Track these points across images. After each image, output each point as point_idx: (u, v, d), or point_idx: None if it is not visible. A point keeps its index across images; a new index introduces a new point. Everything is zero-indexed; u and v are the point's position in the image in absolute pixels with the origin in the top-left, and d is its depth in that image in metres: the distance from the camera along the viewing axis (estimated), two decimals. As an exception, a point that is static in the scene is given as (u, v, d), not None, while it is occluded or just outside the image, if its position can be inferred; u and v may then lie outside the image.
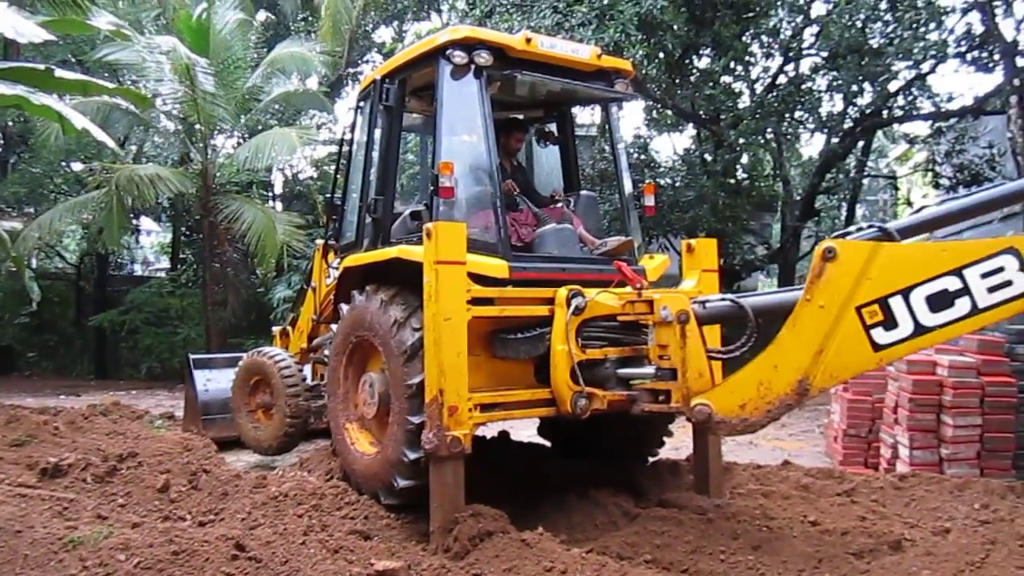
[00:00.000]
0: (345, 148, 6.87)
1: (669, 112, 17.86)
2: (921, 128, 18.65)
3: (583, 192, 6.28)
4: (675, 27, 13.17)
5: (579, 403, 4.91)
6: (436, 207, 5.20)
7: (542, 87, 5.83)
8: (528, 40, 5.44)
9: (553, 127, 6.64)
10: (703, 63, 16.42)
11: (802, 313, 3.93)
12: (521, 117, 6.64)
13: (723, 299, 4.61)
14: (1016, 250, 3.63)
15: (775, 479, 6.32)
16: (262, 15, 21.93)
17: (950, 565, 4.21)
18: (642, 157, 17.45)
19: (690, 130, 18.84)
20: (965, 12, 14.14)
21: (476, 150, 5.42)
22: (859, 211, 27.74)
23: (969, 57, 14.57)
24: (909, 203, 22.15)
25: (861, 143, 18.30)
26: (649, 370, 4.70)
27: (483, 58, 5.29)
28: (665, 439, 6.32)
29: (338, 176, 6.84)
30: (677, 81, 15.90)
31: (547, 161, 6.95)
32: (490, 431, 7.25)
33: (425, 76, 5.70)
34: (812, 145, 21.47)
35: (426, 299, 4.70)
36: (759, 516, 5.30)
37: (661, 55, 14.63)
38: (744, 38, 15.47)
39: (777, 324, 4.14)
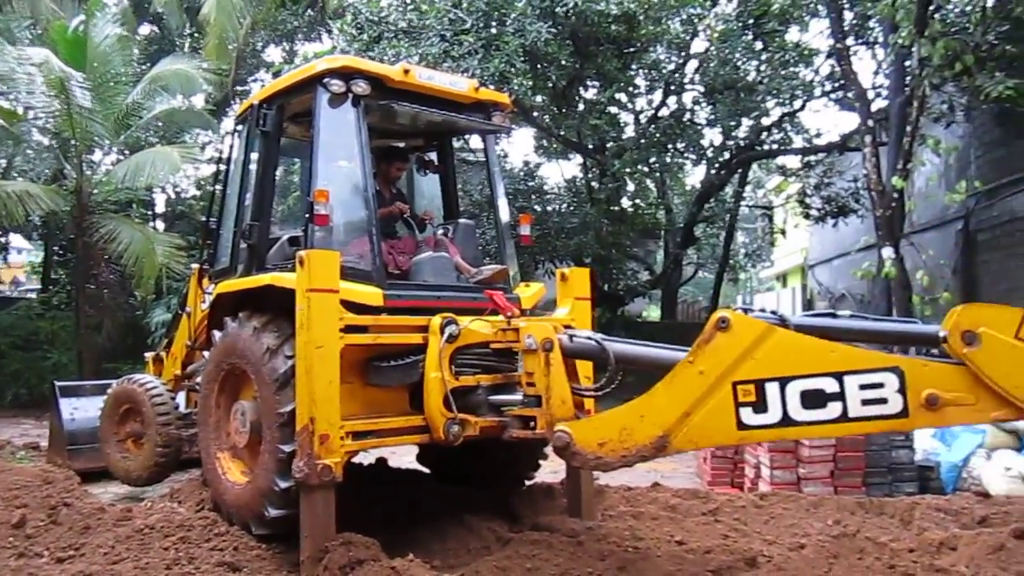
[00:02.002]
0: (222, 172, 6.77)
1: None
2: (793, 161, 19.73)
3: (461, 220, 6.39)
4: (560, 59, 13.54)
5: (452, 429, 4.97)
6: (311, 234, 5.20)
7: (421, 117, 5.92)
8: (406, 71, 5.54)
9: (434, 156, 6.74)
10: (589, 94, 16.94)
11: (681, 373, 3.93)
12: (402, 145, 6.72)
13: (590, 337, 4.75)
14: (901, 371, 3.59)
15: (645, 500, 6.54)
16: (145, 29, 21.30)
17: (797, 579, 4.46)
18: (530, 184, 17.78)
19: (578, 158, 19.35)
20: (829, 55, 15.07)
21: (353, 178, 5.46)
22: (739, 239, 28.99)
23: (834, 97, 15.54)
24: (783, 232, 23.29)
25: (738, 174, 19.19)
26: (517, 397, 4.83)
27: (360, 87, 5.34)
28: (541, 463, 6.45)
29: (213, 200, 6.74)
30: (563, 111, 16.32)
31: (428, 189, 7.03)
32: (369, 458, 7.22)
33: (303, 103, 5.71)
34: (695, 175, 22.41)
35: (298, 327, 4.68)
36: (628, 537, 5.47)
37: (548, 85, 15.00)
38: (628, 72, 16.03)
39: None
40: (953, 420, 3.75)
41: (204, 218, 7.07)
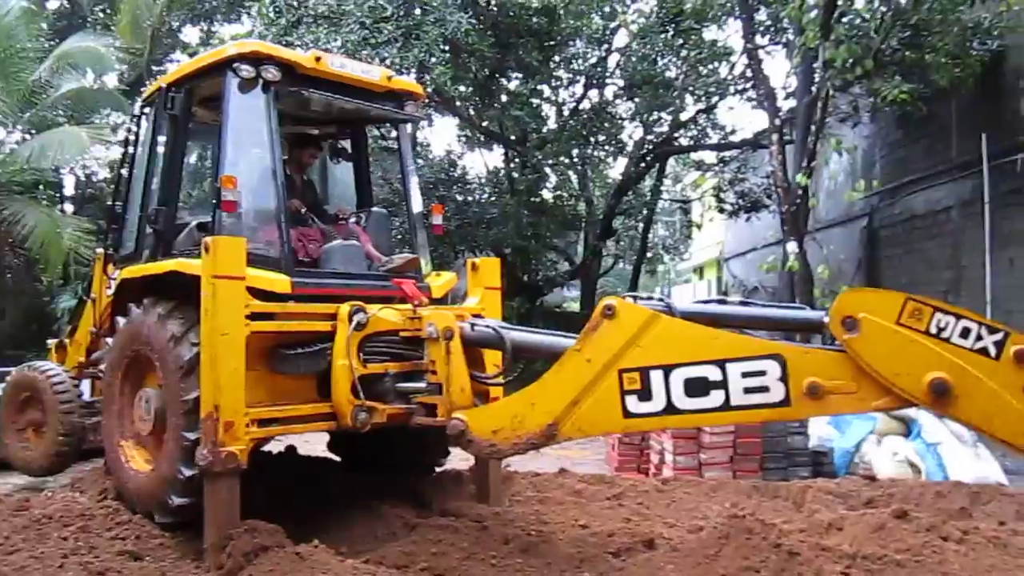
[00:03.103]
0: (129, 155, 6.63)
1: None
2: (710, 157, 20.24)
3: (374, 209, 6.40)
4: (482, 50, 13.60)
5: (359, 417, 5.01)
6: (219, 221, 5.16)
7: (332, 105, 5.91)
8: (318, 58, 5.53)
9: (347, 144, 6.73)
10: (512, 85, 17.04)
11: (569, 361, 3.94)
12: (315, 132, 6.69)
13: (488, 325, 4.83)
14: (783, 359, 3.55)
15: (552, 486, 6.69)
16: (54, 2, 20.52)
17: (690, 559, 4.64)
18: (452, 174, 17.82)
19: (500, 149, 19.46)
20: (743, 54, 15.52)
21: (262, 165, 5.42)
22: (659, 232, 29.57)
23: (747, 95, 16.00)
24: (698, 226, 23.88)
25: (657, 168, 19.59)
26: (421, 384, 4.90)
27: (271, 73, 5.31)
28: (450, 450, 6.53)
29: (120, 184, 6.61)
30: (485, 102, 16.39)
31: (342, 177, 7.03)
32: (279, 446, 7.20)
33: (212, 87, 5.63)
34: (618, 168, 22.81)
35: (203, 314, 4.66)
36: (533, 521, 5.60)
37: (470, 76, 15.05)
38: (550, 64, 16.19)
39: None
40: (835, 409, 3.75)
41: (110, 202, 6.90)
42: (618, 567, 4.80)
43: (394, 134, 6.41)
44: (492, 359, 5.19)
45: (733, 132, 17.95)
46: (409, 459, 6.43)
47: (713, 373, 3.63)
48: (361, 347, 5.07)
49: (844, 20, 10.87)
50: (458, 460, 6.95)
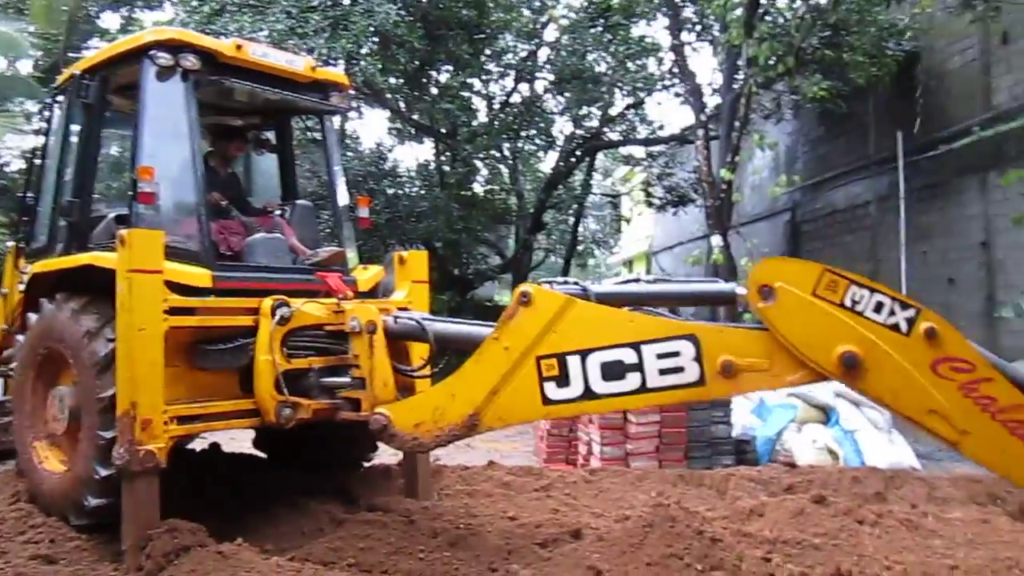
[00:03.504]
0: (41, 145, 6.40)
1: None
2: (639, 151, 20.50)
3: (299, 202, 6.30)
4: (411, 42, 13.51)
5: (283, 413, 4.93)
6: (136, 213, 5.02)
7: (255, 95, 5.79)
8: (239, 47, 5.40)
9: (271, 136, 6.61)
10: (442, 77, 16.97)
11: (487, 351, 3.91)
12: (240, 124, 6.55)
13: (411, 318, 4.81)
14: (697, 339, 3.53)
15: (480, 479, 6.71)
16: (-38, -14, 19.63)
17: (616, 548, 4.69)
18: (382, 167, 17.66)
19: (431, 142, 19.37)
20: (670, 50, 15.75)
21: (181, 155, 5.28)
22: (590, 226, 29.84)
23: (674, 91, 16.25)
24: (627, 220, 24.18)
25: (586, 163, 19.76)
26: (345, 379, 4.85)
27: (190, 62, 5.18)
28: (379, 445, 6.48)
29: (32, 174, 6.37)
30: (416, 94, 16.28)
31: (267, 169, 6.90)
32: (203, 443, 7.05)
33: (129, 75, 5.45)
34: (548, 162, 22.92)
35: (119, 309, 4.51)
36: (462, 514, 5.60)
37: (399, 68, 14.94)
38: (480, 57, 16.17)
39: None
40: (750, 386, 3.71)
41: (21, 194, 6.65)
42: (545, 557, 4.84)
43: (320, 126, 6.29)
44: (419, 352, 5.17)
45: (661, 127, 18.22)
46: (336, 455, 6.37)
47: (629, 356, 3.61)
48: (285, 342, 4.98)
49: (767, 18, 11.13)
50: (387, 455, 6.91)
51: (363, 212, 6.25)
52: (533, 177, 22.02)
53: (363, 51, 12.15)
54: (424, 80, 16.16)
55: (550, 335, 3.73)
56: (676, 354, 3.55)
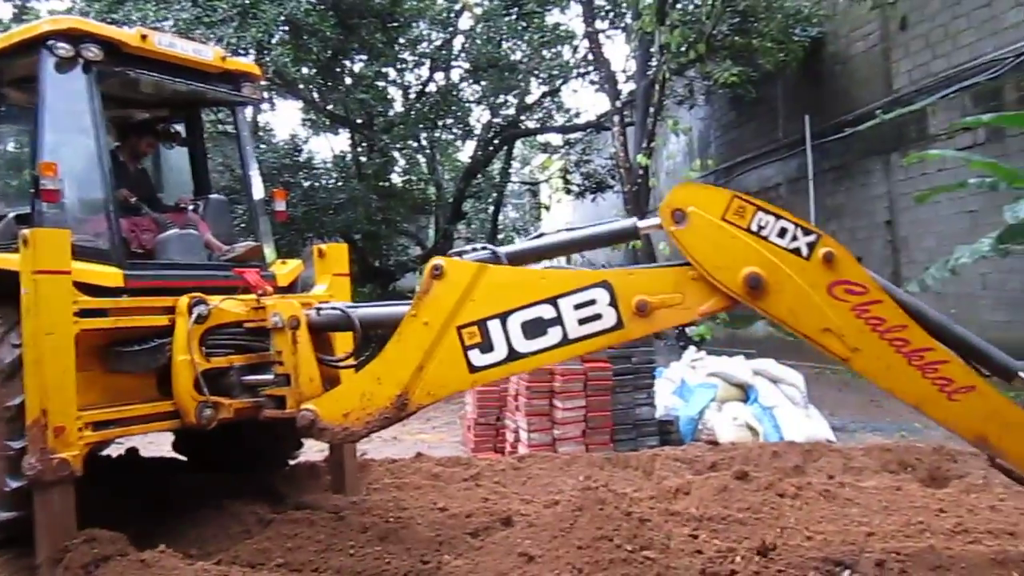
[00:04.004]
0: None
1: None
2: (556, 139, 20.64)
3: (212, 196, 6.13)
4: (324, 31, 13.26)
5: (204, 413, 4.79)
6: (39, 211, 4.80)
7: (162, 87, 5.60)
8: (143, 36, 5.20)
9: (181, 128, 6.40)
10: (356, 67, 16.72)
11: (407, 328, 3.89)
12: (149, 118, 6.32)
13: (334, 307, 4.73)
14: (609, 284, 3.62)
15: (409, 471, 6.67)
16: None
17: (546, 533, 4.73)
18: (297, 159, 17.33)
19: (347, 132, 19.09)
20: (584, 37, 15.89)
21: (86, 150, 5.06)
22: (510, 215, 29.90)
23: (590, 78, 16.40)
24: (546, 207, 24.33)
25: (504, 151, 19.78)
26: (268, 376, 4.74)
27: (92, 52, 4.96)
28: (304, 442, 6.38)
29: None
30: (329, 84, 16.01)
31: (177, 163, 6.69)
32: (120, 449, 6.82)
33: (26, 67, 5.20)
34: (466, 151, 22.85)
35: (24, 312, 4.31)
36: (391, 508, 5.56)
37: (312, 57, 14.66)
38: (395, 46, 15.99)
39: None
40: (665, 322, 3.76)
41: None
42: (476, 547, 4.84)
43: (232, 118, 6.12)
44: (343, 343, 5.09)
45: (578, 115, 18.39)
46: (261, 454, 6.24)
47: (547, 311, 3.68)
48: (203, 341, 4.85)
49: (678, 6, 11.32)
50: (313, 451, 6.82)
51: (279, 205, 6.12)
52: (452, 166, 21.95)
53: (274, 41, 11.87)
54: (338, 70, 15.88)
55: (467, 303, 3.76)
56: (592, 302, 3.64)
